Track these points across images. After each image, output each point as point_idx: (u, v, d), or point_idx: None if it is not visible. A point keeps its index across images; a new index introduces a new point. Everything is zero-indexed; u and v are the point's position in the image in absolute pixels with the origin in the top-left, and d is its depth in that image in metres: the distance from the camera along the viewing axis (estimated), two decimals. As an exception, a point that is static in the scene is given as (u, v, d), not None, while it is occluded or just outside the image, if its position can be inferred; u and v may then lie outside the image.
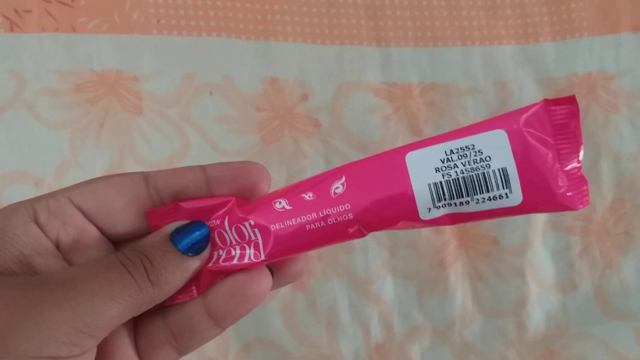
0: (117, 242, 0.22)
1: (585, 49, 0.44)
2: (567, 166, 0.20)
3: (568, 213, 0.43)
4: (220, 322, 0.21)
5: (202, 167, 0.21)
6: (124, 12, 0.39)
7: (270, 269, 0.21)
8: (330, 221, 0.20)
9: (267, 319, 0.39)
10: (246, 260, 0.21)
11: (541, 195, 0.20)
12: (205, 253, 0.21)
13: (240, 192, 0.21)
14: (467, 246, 0.42)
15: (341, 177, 0.21)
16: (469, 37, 0.44)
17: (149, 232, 0.21)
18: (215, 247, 0.21)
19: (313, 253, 0.40)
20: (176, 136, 0.39)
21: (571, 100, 0.20)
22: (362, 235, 0.21)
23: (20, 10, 0.38)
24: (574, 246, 0.43)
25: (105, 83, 0.38)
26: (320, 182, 0.21)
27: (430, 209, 0.20)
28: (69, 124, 0.38)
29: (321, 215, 0.20)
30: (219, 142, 0.40)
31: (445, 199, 0.20)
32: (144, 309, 0.19)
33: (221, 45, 0.40)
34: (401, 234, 0.41)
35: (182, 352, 0.21)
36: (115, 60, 0.39)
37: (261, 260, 0.21)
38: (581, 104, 0.42)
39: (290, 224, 0.21)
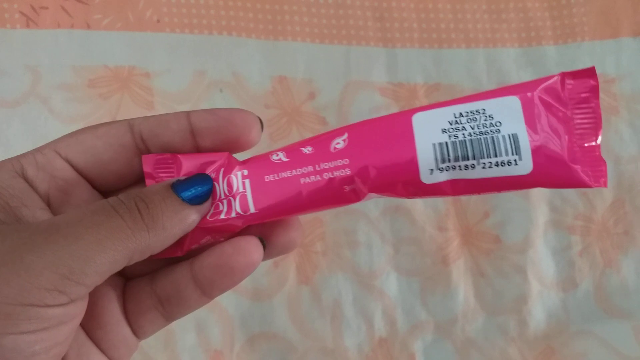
0: (109, 195, 0.21)
1: (586, 52, 0.45)
2: (585, 143, 0.19)
3: (569, 212, 0.44)
4: (206, 292, 0.20)
5: (187, 114, 0.20)
6: (138, 10, 0.40)
7: (262, 241, 0.20)
8: (326, 175, 0.19)
9: (273, 312, 0.40)
10: (233, 214, 0.20)
11: (553, 167, 0.18)
12: (206, 206, 0.20)
13: (228, 144, 0.20)
14: (469, 244, 0.43)
15: (343, 134, 0.20)
16: (474, 39, 0.45)
17: (140, 184, 0.21)
18: None
19: (318, 247, 0.41)
20: (186, 131, 0.40)
21: (590, 73, 0.19)
22: (358, 198, 0.20)
23: (36, 7, 0.39)
24: (575, 245, 0.44)
25: (118, 79, 0.39)
26: (321, 138, 0.20)
27: (432, 170, 0.19)
28: (82, 118, 0.38)
29: (318, 168, 0.19)
30: (228, 138, 0.40)
31: (449, 161, 0.19)
32: (137, 257, 0.18)
33: (231, 44, 0.41)
34: (405, 231, 0.42)
35: (169, 319, 0.21)
36: (128, 57, 0.40)
37: (250, 214, 0.20)
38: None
39: (285, 175, 0.20)
